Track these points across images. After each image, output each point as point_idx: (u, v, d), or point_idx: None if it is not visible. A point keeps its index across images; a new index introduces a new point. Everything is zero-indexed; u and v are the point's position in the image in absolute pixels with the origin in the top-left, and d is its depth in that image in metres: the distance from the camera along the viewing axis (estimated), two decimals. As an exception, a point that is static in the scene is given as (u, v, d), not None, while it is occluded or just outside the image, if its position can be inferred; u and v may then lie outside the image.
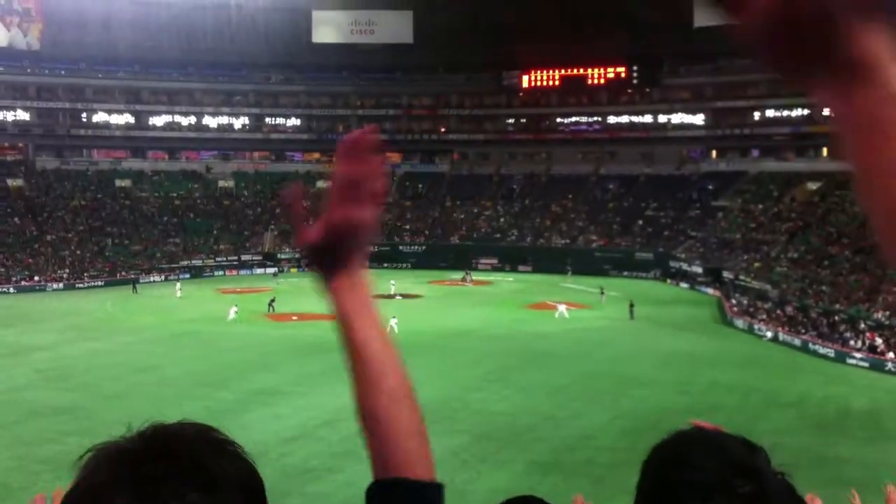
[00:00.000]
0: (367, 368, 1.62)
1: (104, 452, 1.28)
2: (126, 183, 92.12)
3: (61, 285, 72.11)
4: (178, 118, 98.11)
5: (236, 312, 52.54)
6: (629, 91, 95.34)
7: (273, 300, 56.58)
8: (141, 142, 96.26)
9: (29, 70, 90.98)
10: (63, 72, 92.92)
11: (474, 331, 48.61)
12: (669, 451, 1.50)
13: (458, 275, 76.03)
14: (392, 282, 66.75)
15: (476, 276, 76.62)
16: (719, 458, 1.40)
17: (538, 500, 2.30)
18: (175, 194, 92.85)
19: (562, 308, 54.82)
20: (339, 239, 1.61)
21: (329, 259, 1.63)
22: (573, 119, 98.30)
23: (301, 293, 63.27)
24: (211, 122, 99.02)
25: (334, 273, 1.63)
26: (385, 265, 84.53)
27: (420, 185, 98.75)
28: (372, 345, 1.63)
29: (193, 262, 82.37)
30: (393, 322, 47.72)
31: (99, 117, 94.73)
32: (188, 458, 1.26)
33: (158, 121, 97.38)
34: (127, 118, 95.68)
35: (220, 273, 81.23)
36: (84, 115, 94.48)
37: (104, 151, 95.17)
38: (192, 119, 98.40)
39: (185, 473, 1.24)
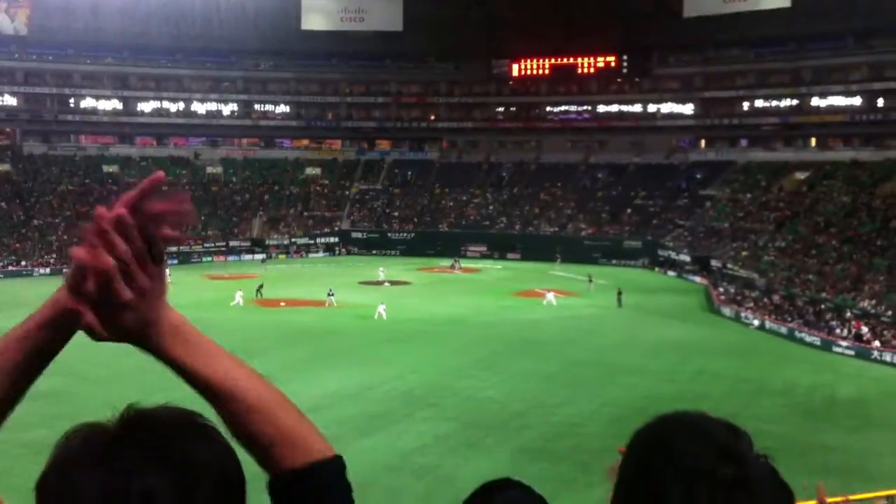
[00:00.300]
0: (233, 399, 1.47)
1: (80, 432, 1.31)
2: (114, 168, 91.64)
3: (48, 270, 71.81)
4: (166, 104, 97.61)
5: (242, 297, 52.23)
6: (619, 80, 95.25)
7: (261, 286, 56.45)
8: (129, 128, 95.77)
9: (16, 55, 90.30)
10: (51, 57, 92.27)
11: (463, 318, 48.63)
12: (653, 436, 1.49)
13: (446, 262, 76.03)
14: (381, 269, 66.78)
15: (464, 263, 76.61)
16: (703, 442, 1.40)
17: (516, 482, 2.29)
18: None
19: (550, 296, 54.92)
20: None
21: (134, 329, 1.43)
22: (563, 108, 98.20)
23: (289, 279, 63.26)
24: (199, 108, 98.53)
25: (148, 333, 1.44)
26: (374, 252, 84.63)
27: (409, 173, 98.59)
28: (229, 374, 1.49)
29: (181, 248, 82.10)
30: (381, 308, 47.75)
31: (87, 103, 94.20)
32: (159, 441, 1.27)
33: (146, 107, 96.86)
34: (115, 104, 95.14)
35: (209, 259, 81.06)
36: (72, 100, 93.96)
37: (92, 137, 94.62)
38: (181, 105, 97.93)
39: (154, 455, 1.25)
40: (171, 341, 1.44)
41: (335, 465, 1.56)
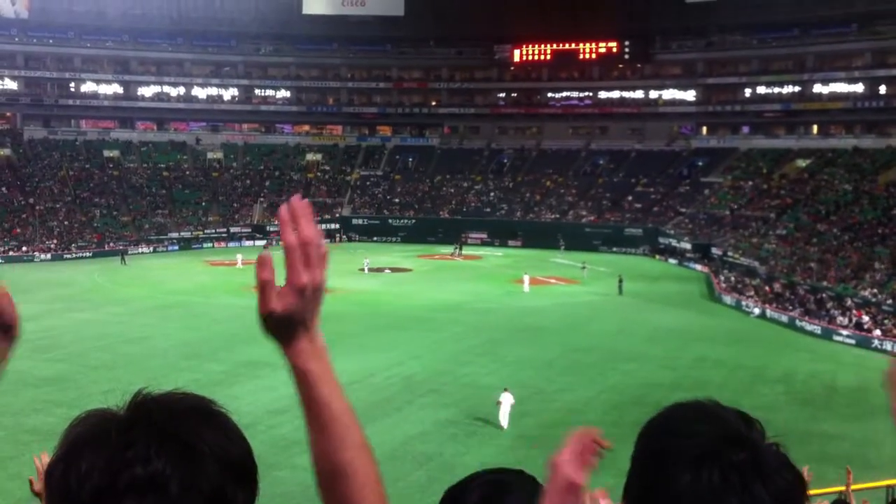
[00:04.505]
0: (334, 426, 1.64)
1: (90, 417, 1.34)
2: (114, 153, 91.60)
3: (49, 256, 71.89)
4: (166, 89, 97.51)
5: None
6: (620, 66, 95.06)
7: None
8: (129, 112, 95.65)
9: (17, 38, 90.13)
10: (51, 41, 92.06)
11: (463, 305, 48.65)
12: (664, 422, 1.51)
13: (447, 249, 75.90)
14: (366, 259, 63.58)
15: (465, 250, 76.56)
16: (713, 427, 1.41)
17: (515, 471, 2.27)
18: (163, 165, 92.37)
19: (525, 280, 55.01)
20: (305, 303, 1.64)
21: (293, 324, 1.65)
22: (564, 94, 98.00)
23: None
24: (200, 92, 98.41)
25: (298, 337, 1.66)
26: (375, 239, 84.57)
27: (410, 159, 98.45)
28: (337, 403, 1.66)
29: (182, 233, 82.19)
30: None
31: (87, 87, 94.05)
32: (165, 426, 1.30)
33: (147, 91, 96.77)
34: (115, 88, 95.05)
35: (209, 245, 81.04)
36: (72, 84, 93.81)
37: (92, 121, 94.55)
38: (181, 90, 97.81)
39: (161, 441, 1.27)
40: (312, 356, 1.66)
41: None
